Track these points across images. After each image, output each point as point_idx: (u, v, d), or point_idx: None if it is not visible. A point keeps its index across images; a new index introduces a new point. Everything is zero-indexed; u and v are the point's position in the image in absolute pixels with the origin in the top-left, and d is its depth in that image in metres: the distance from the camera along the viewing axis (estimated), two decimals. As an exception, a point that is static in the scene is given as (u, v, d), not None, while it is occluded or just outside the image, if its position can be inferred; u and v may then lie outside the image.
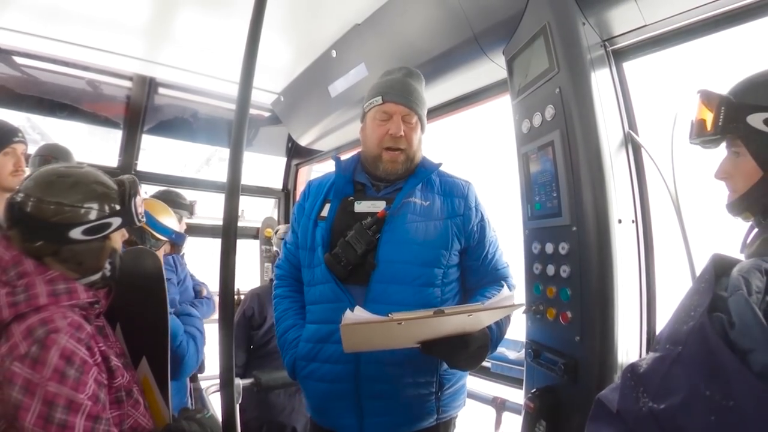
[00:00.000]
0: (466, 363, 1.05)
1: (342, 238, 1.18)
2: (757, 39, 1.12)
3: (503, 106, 1.73)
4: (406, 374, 1.16)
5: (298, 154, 3.10)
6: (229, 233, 0.94)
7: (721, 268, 0.47)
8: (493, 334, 1.08)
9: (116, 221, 1.00)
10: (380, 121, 1.23)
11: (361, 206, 1.23)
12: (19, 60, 2.20)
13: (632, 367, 0.41)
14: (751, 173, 0.75)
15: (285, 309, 1.32)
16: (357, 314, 0.87)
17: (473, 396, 1.65)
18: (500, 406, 1.65)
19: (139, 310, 1.15)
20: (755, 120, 0.73)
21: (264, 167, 3.25)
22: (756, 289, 0.41)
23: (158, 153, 3.30)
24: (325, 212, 1.25)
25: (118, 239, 1.05)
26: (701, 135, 0.80)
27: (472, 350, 1.02)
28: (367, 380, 1.15)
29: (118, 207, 1.01)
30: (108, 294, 1.06)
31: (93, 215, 0.96)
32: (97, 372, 0.88)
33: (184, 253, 2.03)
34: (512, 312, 0.96)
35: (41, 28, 2.02)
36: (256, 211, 3.22)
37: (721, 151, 0.82)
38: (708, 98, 0.78)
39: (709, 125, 0.78)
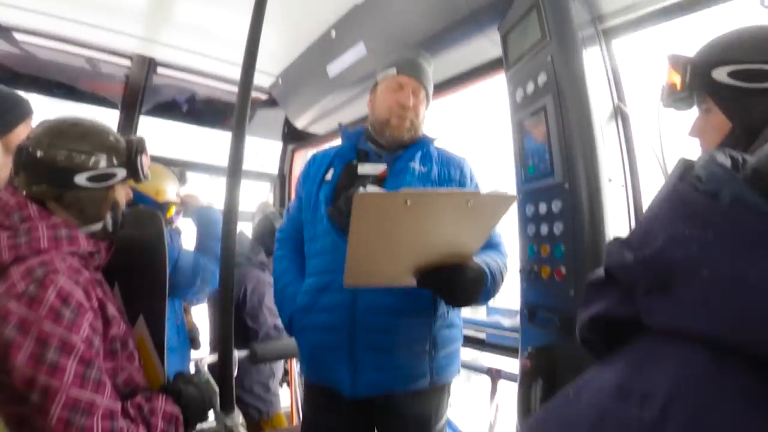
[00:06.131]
0: (463, 295, 1.06)
1: (344, 193, 1.25)
2: (743, 15, 1.16)
3: (495, 86, 1.77)
4: (400, 326, 1.20)
5: (293, 138, 3.12)
6: (230, 217, 0.98)
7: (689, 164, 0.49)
8: (487, 278, 1.10)
9: (121, 173, 1.03)
10: (392, 90, 1.33)
11: (364, 168, 1.32)
12: (17, 36, 2.18)
13: (615, 238, 0.44)
14: (721, 126, 0.80)
15: (285, 268, 1.37)
16: (369, 189, 0.86)
17: (468, 367, 1.67)
18: (496, 375, 1.67)
19: (138, 271, 1.15)
20: (720, 74, 0.78)
21: (260, 152, 3.24)
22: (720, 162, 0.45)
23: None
24: (329, 176, 1.34)
25: (121, 194, 1.07)
26: (672, 95, 0.85)
27: (468, 278, 1.04)
28: (362, 329, 1.19)
29: (124, 159, 1.03)
30: (108, 248, 1.07)
31: (99, 163, 0.98)
32: (92, 317, 0.88)
33: (176, 227, 1.95)
34: (507, 206, 0.93)
35: (39, 5, 2.01)
36: (251, 196, 3.21)
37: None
38: (675, 61, 0.84)
39: (678, 86, 0.83)
